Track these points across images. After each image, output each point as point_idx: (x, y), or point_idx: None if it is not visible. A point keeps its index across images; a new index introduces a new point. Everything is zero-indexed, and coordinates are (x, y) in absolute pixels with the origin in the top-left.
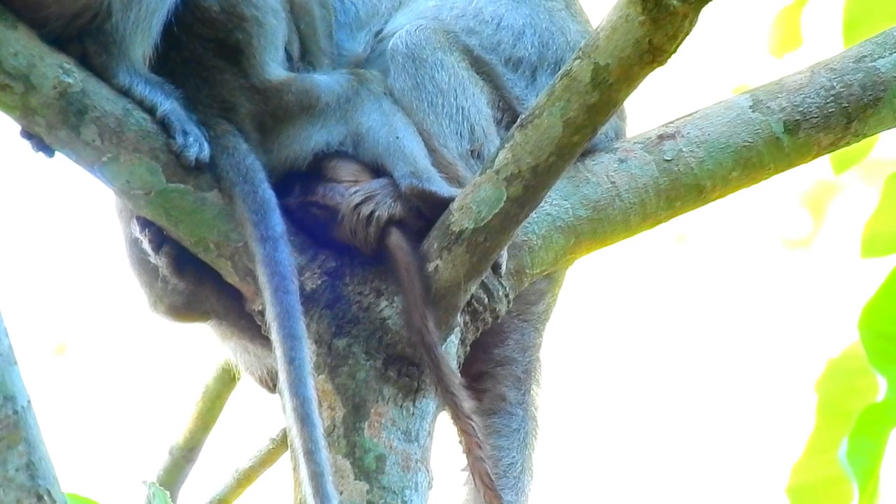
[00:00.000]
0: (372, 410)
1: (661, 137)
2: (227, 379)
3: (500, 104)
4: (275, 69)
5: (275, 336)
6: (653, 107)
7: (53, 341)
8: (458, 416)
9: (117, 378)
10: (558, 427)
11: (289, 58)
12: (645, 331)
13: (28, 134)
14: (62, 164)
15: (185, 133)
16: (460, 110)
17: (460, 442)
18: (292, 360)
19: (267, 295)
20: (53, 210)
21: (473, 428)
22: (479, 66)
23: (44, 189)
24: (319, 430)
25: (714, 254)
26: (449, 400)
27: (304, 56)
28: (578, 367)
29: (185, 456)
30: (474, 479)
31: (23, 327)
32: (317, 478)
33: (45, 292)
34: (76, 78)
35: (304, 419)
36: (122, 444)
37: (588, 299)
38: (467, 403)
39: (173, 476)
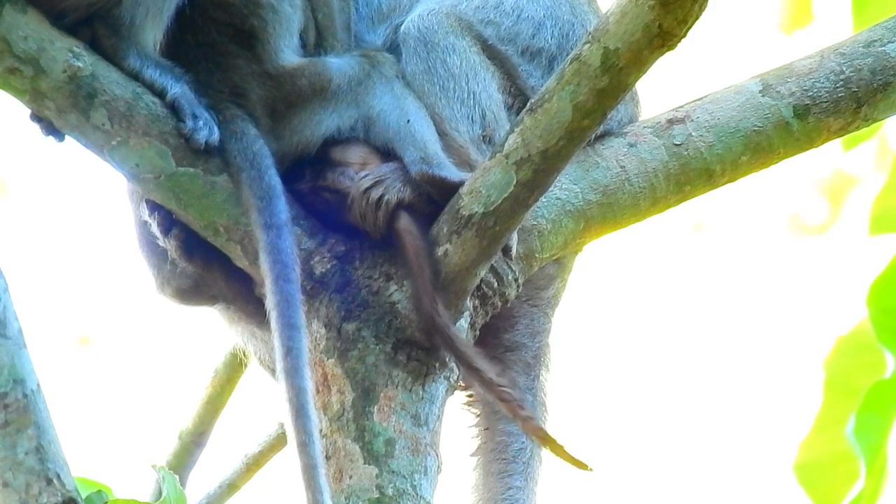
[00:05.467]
0: (381, 394)
1: (671, 122)
2: (237, 363)
3: (512, 90)
4: (289, 56)
5: (274, 325)
6: (668, 89)
7: (73, 331)
8: (490, 387)
9: (126, 363)
10: (569, 412)
11: (303, 45)
12: (661, 317)
13: (37, 118)
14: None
15: (195, 117)
16: (472, 95)
17: (498, 411)
18: (290, 350)
19: (268, 283)
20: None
21: (508, 392)
22: (492, 53)
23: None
24: (314, 422)
25: (731, 242)
26: (474, 374)
27: (320, 45)
28: (594, 353)
29: (194, 440)
30: (532, 441)
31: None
32: (310, 470)
33: (64, 283)
34: (86, 62)
35: (299, 410)
36: (132, 429)
37: (605, 286)
38: (493, 371)
39: (183, 460)
